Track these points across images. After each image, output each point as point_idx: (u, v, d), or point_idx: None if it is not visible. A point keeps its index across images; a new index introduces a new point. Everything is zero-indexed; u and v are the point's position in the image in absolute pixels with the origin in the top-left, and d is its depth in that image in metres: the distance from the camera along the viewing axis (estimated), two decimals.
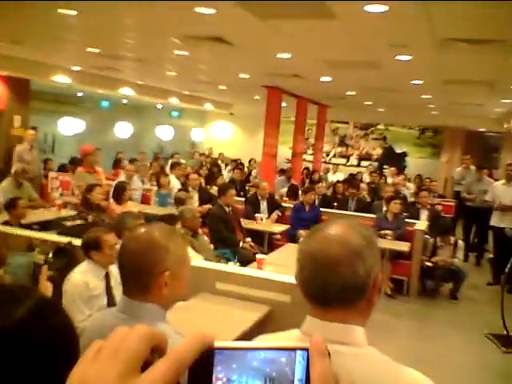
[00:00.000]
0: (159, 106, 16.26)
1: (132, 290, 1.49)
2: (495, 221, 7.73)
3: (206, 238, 5.55)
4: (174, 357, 0.40)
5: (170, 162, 11.20)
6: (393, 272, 6.81)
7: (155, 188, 8.30)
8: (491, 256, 8.26)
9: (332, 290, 1.06)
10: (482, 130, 16.05)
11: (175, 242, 1.53)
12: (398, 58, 6.10)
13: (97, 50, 7.67)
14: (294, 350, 0.41)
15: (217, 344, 0.41)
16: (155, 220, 4.50)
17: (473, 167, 10.30)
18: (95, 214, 5.12)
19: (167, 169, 10.38)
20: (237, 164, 12.86)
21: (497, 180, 8.67)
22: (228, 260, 5.51)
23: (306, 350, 0.41)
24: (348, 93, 10.35)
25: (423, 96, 9.82)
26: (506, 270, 5.73)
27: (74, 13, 5.21)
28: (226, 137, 19.26)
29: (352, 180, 11.05)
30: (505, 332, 5.39)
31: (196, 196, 7.85)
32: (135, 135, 15.50)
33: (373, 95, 10.54)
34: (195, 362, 0.40)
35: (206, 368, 0.40)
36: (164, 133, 16.63)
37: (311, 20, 4.58)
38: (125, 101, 14.27)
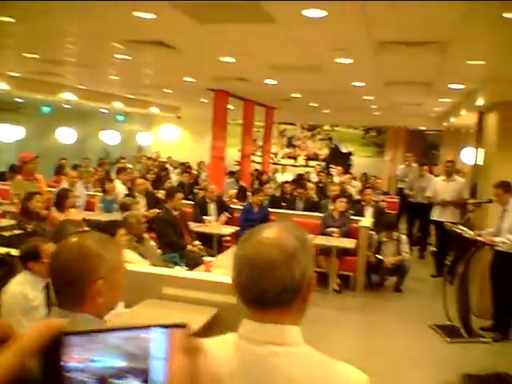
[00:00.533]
0: (104, 111, 15.92)
1: (66, 300, 1.45)
2: (436, 215, 8.03)
3: (152, 243, 5.49)
4: (16, 345, 0.42)
5: (116, 167, 10.99)
6: (340, 268, 6.96)
7: (100, 194, 8.13)
8: (434, 249, 8.58)
9: (270, 294, 1.07)
10: (422, 128, 16.65)
11: (108, 249, 1.49)
12: (338, 61, 6.21)
13: (35, 56, 7.43)
14: (148, 328, 0.44)
15: (68, 329, 0.44)
16: (98, 227, 4.41)
17: (415, 164, 10.68)
18: (35, 222, 4.96)
19: (113, 174, 10.18)
20: (185, 167, 12.77)
21: (437, 176, 9.00)
22: (176, 264, 5.47)
23: (165, 327, 0.44)
24: (293, 95, 10.47)
25: (365, 97, 10.06)
26: (447, 262, 5.97)
27: (11, 20, 5.03)
28: (173, 140, 19.09)
29: (300, 180, 11.21)
30: (448, 322, 5.61)
31: (143, 201, 7.74)
32: (80, 140, 15.11)
33: (317, 97, 10.71)
34: (48, 346, 0.43)
35: (56, 351, 0.43)
36: (110, 137, 16.30)
37: (250, 24, 4.62)
38: (67, 106, 13.88)
